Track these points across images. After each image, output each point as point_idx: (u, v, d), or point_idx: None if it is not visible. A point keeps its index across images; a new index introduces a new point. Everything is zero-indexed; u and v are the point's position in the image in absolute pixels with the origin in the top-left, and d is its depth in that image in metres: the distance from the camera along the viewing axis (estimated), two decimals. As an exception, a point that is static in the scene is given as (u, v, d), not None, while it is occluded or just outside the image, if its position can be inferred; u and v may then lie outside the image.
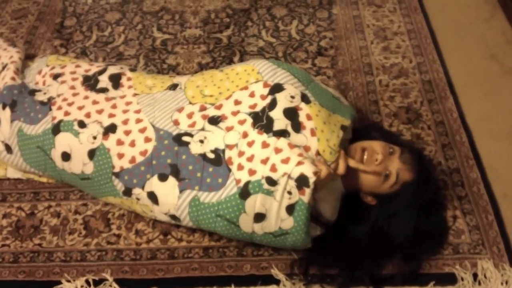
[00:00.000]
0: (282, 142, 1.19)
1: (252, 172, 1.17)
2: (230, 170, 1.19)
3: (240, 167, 1.18)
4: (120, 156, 1.26)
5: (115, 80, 1.41)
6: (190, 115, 1.29)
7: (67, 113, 1.33)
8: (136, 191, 1.25)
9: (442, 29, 1.89)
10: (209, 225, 1.22)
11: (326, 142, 1.22)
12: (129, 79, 1.42)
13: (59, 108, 1.35)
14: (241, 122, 1.25)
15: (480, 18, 1.93)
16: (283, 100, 1.25)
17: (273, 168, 1.16)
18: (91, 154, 1.28)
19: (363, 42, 1.86)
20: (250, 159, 1.18)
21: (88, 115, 1.32)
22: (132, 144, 1.26)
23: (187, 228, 1.33)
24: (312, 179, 1.12)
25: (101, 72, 1.44)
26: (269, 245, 1.25)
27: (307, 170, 1.13)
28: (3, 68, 1.49)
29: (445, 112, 1.61)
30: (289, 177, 1.14)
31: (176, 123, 1.28)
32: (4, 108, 1.38)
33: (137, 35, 1.93)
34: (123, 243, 1.33)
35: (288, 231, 1.17)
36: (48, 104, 1.37)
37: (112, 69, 1.45)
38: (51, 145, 1.31)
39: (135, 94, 1.37)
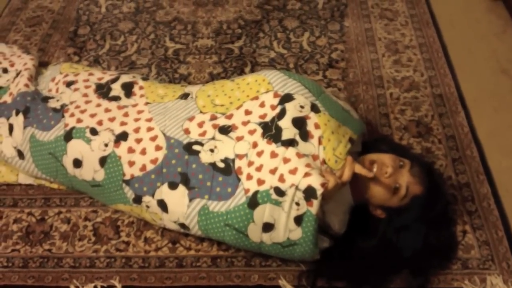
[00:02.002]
0: (290, 151, 1.19)
1: (260, 182, 1.17)
2: (239, 179, 1.20)
3: (249, 177, 1.19)
4: (131, 164, 1.27)
5: (128, 89, 1.42)
6: (200, 124, 1.30)
7: (79, 120, 1.35)
8: (146, 199, 1.26)
9: (453, 44, 1.89)
10: (217, 234, 1.22)
11: (332, 151, 1.22)
12: (141, 88, 1.44)
13: (72, 115, 1.37)
14: (251, 132, 1.25)
15: (492, 33, 1.93)
16: (292, 110, 1.26)
17: (281, 179, 1.16)
18: (102, 161, 1.29)
19: (375, 55, 1.86)
20: (259, 169, 1.19)
21: (100, 122, 1.33)
22: (143, 152, 1.27)
23: (195, 237, 1.34)
24: (319, 191, 1.12)
25: (113, 81, 1.45)
26: (277, 255, 1.25)
27: (315, 181, 1.13)
28: (17, 75, 1.51)
29: (456, 127, 1.60)
30: (297, 188, 1.14)
31: (187, 132, 1.29)
32: (17, 114, 1.40)
33: (150, 45, 1.95)
34: (132, 251, 1.33)
35: (296, 242, 1.17)
36: (61, 111, 1.39)
37: (125, 78, 1.47)
38: (63, 151, 1.32)
39: (146, 103, 1.38)
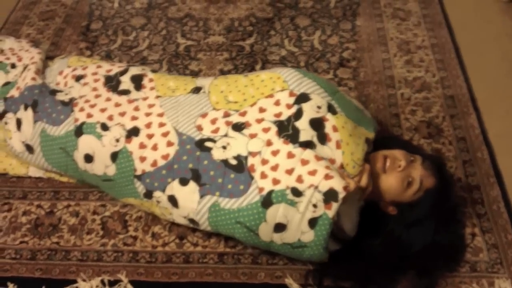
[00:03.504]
0: (308, 153, 1.18)
1: (276, 181, 1.16)
2: (252, 177, 1.19)
3: (264, 176, 1.18)
4: (142, 159, 1.27)
5: (137, 81, 1.42)
6: (213, 121, 1.30)
7: (89, 115, 1.35)
8: (157, 194, 1.26)
9: (466, 45, 1.87)
10: (227, 231, 1.22)
11: (350, 155, 1.21)
12: (151, 80, 1.43)
13: (81, 109, 1.37)
14: (266, 130, 1.24)
15: (505, 34, 1.91)
16: (309, 110, 1.25)
17: (299, 179, 1.15)
18: (114, 156, 1.29)
19: (386, 55, 1.85)
20: (274, 168, 1.18)
21: (110, 117, 1.34)
22: (155, 147, 1.27)
23: (203, 233, 1.34)
24: (342, 194, 1.11)
25: (122, 73, 1.45)
26: (286, 254, 1.25)
27: (337, 184, 1.12)
28: (24, 69, 1.51)
29: (467, 128, 1.59)
30: (316, 189, 1.13)
31: (200, 128, 1.29)
32: (26, 109, 1.40)
33: (161, 41, 1.96)
34: (139, 245, 1.33)
35: (307, 244, 1.16)
36: (70, 105, 1.39)
37: (134, 70, 1.46)
38: (74, 147, 1.32)
39: (157, 96, 1.38)
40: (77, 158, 1.33)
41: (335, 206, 1.12)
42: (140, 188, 1.28)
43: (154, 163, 1.26)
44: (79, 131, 1.33)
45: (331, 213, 1.12)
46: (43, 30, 2.03)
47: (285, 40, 1.94)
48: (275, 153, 1.20)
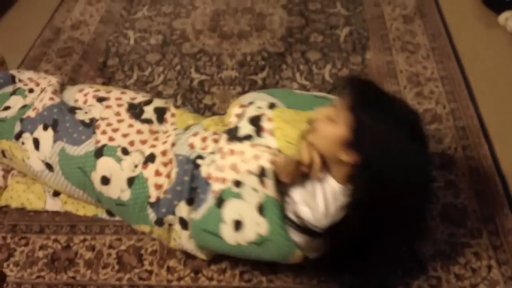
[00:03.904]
0: (245, 144, 1.24)
1: (223, 180, 1.22)
2: (209, 184, 1.24)
3: (216, 179, 1.23)
4: (158, 187, 1.30)
5: (160, 114, 1.47)
6: (204, 139, 1.36)
7: (111, 139, 1.37)
8: (168, 219, 1.30)
9: (475, 76, 1.89)
10: (204, 243, 1.27)
11: (283, 137, 1.24)
12: (173, 115, 1.48)
13: (104, 132, 1.39)
14: (215, 140, 1.33)
15: (514, 66, 1.93)
16: (250, 111, 1.32)
17: (237, 170, 1.20)
18: (130, 181, 1.32)
19: (396, 87, 1.88)
20: (221, 168, 1.23)
21: (131, 143, 1.37)
22: (168, 175, 1.30)
23: (218, 267, 1.35)
24: (270, 168, 1.16)
25: (147, 103, 1.49)
26: (260, 258, 1.24)
27: (264, 161, 1.17)
28: (42, 91, 1.53)
29: (480, 159, 1.59)
30: (251, 173, 1.18)
31: (192, 146, 1.34)
32: (46, 128, 1.41)
33: (176, 75, 2.01)
34: (154, 280, 1.34)
35: (267, 238, 1.16)
36: (91, 127, 1.40)
37: (158, 102, 1.50)
38: (92, 167, 1.34)
39: (175, 129, 1.44)
40: (94, 179, 1.35)
41: (269, 182, 1.15)
42: (152, 215, 1.31)
43: (166, 191, 1.30)
44: (99, 152, 1.35)
45: (270, 191, 1.14)
46: (61, 66, 2.09)
47: (296, 73, 1.98)
48: (223, 156, 1.25)
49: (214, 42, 2.17)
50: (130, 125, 1.41)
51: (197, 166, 1.29)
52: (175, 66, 2.06)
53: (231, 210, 1.19)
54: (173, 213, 1.28)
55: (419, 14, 2.23)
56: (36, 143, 1.42)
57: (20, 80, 1.60)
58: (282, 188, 1.19)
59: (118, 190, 1.33)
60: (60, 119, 1.42)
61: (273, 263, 1.33)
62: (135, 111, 1.46)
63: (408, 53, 2.03)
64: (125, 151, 1.34)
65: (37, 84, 1.58)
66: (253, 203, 1.17)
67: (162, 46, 2.16)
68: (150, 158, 1.33)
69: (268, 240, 1.17)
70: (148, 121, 1.43)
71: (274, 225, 1.15)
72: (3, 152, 1.49)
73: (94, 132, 1.39)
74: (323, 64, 2.01)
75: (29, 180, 1.56)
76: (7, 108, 1.50)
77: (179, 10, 2.36)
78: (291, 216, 1.16)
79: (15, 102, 1.51)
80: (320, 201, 1.18)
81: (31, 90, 1.55)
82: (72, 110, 1.46)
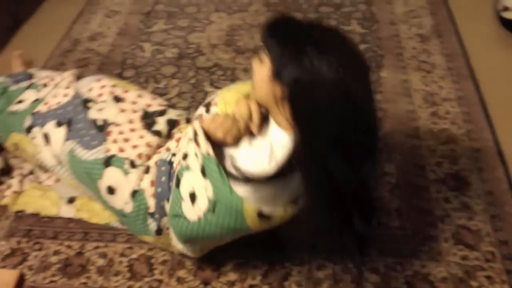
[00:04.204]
0: (196, 124, 1.24)
1: (178, 162, 1.27)
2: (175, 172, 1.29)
3: (177, 165, 1.28)
4: (154, 196, 1.32)
5: (171, 127, 1.45)
6: (178, 140, 1.40)
7: (121, 150, 1.37)
8: (164, 222, 1.32)
9: (492, 97, 1.89)
10: (178, 230, 1.26)
11: (222, 101, 1.25)
12: (180, 130, 1.45)
13: (115, 141, 1.38)
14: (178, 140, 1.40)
15: (531, 88, 1.93)
16: (208, 100, 1.34)
17: (182, 144, 1.27)
18: (133, 194, 1.33)
19: (411, 106, 1.88)
20: (177, 152, 1.31)
21: (139, 156, 1.37)
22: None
23: (227, 279, 1.34)
24: (198, 126, 1.20)
25: (161, 113, 1.47)
26: (223, 232, 1.19)
27: (196, 124, 1.22)
28: (55, 86, 1.55)
29: (495, 182, 1.58)
30: (190, 140, 1.21)
31: (168, 149, 1.38)
32: (59, 125, 1.42)
33: (190, 89, 2.02)
34: (164, 290, 1.34)
35: (215, 199, 1.15)
36: (103, 132, 1.40)
37: (172, 114, 1.48)
38: (99, 175, 1.35)
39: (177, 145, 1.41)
40: (100, 187, 1.36)
41: (200, 139, 1.18)
42: (152, 225, 1.33)
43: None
44: (107, 162, 1.35)
45: (202, 148, 1.17)
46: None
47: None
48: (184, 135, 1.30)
49: (229, 56, 2.19)
50: (141, 136, 1.41)
51: (172, 165, 1.32)
52: (190, 79, 2.07)
53: (185, 185, 1.21)
54: (165, 214, 1.31)
55: (436, 34, 2.24)
56: (47, 138, 1.43)
57: (36, 77, 1.63)
58: (227, 150, 1.19)
59: (122, 202, 1.34)
60: (74, 118, 1.43)
61: (283, 277, 1.33)
62: (148, 121, 1.45)
63: (424, 72, 2.03)
64: (133, 164, 1.35)
65: (52, 79, 1.60)
66: (197, 169, 1.17)
67: (177, 59, 2.18)
68: (146, 170, 1.35)
69: (216, 202, 1.15)
70: (158, 134, 1.43)
71: (215, 183, 1.14)
72: (15, 145, 1.52)
73: (105, 140, 1.39)
74: (338, 81, 2.01)
75: (45, 186, 1.58)
76: (20, 101, 1.53)
77: (195, 24, 2.40)
78: (232, 170, 1.14)
79: (29, 96, 1.53)
80: (265, 153, 1.14)
81: (45, 85, 1.57)
82: (86, 102, 1.46)
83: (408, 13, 2.41)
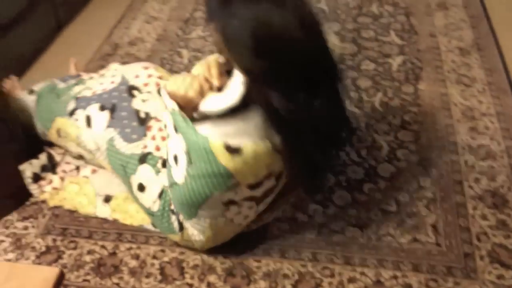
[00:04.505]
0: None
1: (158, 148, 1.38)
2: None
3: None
4: None
5: None
6: None
7: (157, 148, 1.39)
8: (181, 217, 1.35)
9: (533, 114, 1.84)
10: (175, 200, 1.29)
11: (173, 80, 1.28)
12: None
13: (153, 138, 1.40)
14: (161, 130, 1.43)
15: None
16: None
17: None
18: (161, 194, 1.35)
19: (449, 120, 1.84)
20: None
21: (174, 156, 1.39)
22: None
23: (257, 286, 1.34)
24: (161, 88, 1.25)
25: None
26: (209, 186, 1.20)
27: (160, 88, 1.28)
28: (100, 76, 1.61)
29: (535, 200, 1.54)
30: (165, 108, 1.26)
31: None
32: (102, 110, 1.45)
33: (226, 94, 2.04)
34: (194, 294, 1.35)
35: (189, 147, 1.17)
36: (144, 126, 1.42)
37: None
38: (133, 170, 1.38)
39: None
40: (132, 182, 1.38)
41: (165, 99, 1.22)
42: (175, 223, 1.35)
43: None
44: (143, 159, 1.37)
45: (168, 107, 1.21)
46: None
47: (346, 100, 1.96)
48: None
49: (266, 64, 2.19)
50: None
51: None
52: (227, 85, 2.09)
53: (170, 153, 1.24)
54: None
55: (476, 47, 2.20)
56: (89, 121, 1.46)
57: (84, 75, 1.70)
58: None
59: (150, 201, 1.36)
60: (118, 105, 1.45)
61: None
62: None
63: (463, 86, 1.99)
64: (164, 164, 1.36)
65: (98, 73, 1.67)
66: (172, 130, 1.22)
67: (216, 66, 2.20)
68: (164, 164, 1.37)
69: (189, 150, 1.18)
70: None
71: (183, 131, 1.18)
72: (58, 131, 1.56)
73: (145, 135, 1.41)
74: (373, 92, 2.00)
75: (82, 179, 1.61)
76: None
77: (234, 31, 2.42)
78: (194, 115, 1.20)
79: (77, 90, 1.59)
80: (225, 93, 1.20)
81: (91, 78, 1.63)
82: (131, 90, 1.48)
83: (448, 25, 2.37)
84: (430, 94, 1.97)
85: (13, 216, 1.56)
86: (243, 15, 1.06)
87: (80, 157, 1.63)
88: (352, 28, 2.38)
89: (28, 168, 1.58)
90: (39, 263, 1.42)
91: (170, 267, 1.41)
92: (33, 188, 1.58)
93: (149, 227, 1.49)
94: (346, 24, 2.41)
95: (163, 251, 1.45)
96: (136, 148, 1.40)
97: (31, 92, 1.72)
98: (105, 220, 1.53)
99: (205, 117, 1.18)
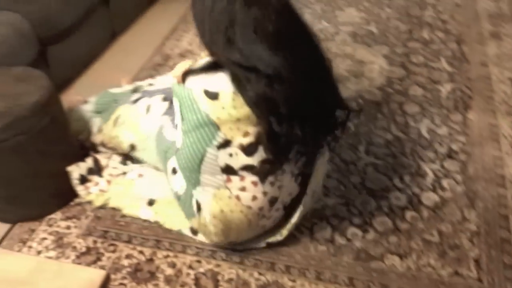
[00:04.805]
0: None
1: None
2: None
3: None
4: None
5: None
6: None
7: None
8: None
9: None
10: (181, 164, 1.39)
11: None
12: None
13: None
14: None
15: None
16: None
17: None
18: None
19: (498, 152, 1.79)
20: None
21: None
22: None
23: (291, 307, 1.33)
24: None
25: None
26: (203, 140, 1.30)
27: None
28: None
29: None
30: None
31: None
32: (164, 100, 1.58)
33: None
34: (228, 308, 1.35)
35: (180, 104, 1.31)
36: None
37: None
38: (171, 155, 1.44)
39: None
40: (168, 167, 1.45)
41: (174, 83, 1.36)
42: (195, 206, 1.40)
43: None
44: None
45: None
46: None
47: (391, 124, 1.95)
48: None
49: (312, 83, 2.20)
50: None
51: None
52: (272, 102, 2.10)
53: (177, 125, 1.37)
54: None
55: (530, 80, 2.14)
56: (149, 108, 1.59)
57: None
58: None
59: (178, 185, 1.42)
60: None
61: None
62: None
63: (513, 118, 1.94)
64: None
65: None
66: (177, 103, 1.34)
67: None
68: None
69: (181, 107, 1.31)
70: None
71: (176, 93, 1.32)
72: (116, 119, 1.66)
73: None
74: (420, 118, 1.97)
75: (126, 181, 1.65)
76: None
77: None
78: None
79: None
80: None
81: (150, 84, 1.79)
82: None
83: (501, 56, 2.31)
84: (479, 124, 1.92)
85: (57, 215, 1.61)
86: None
87: (131, 147, 1.66)
88: (401, 52, 2.36)
89: (76, 170, 1.64)
90: (79, 263, 1.46)
91: (205, 279, 1.41)
92: (80, 189, 1.63)
93: (187, 232, 1.51)
94: (396, 48, 2.39)
95: (199, 261, 1.46)
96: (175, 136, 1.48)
97: (85, 102, 1.83)
98: (144, 226, 1.56)
99: (190, 72, 1.32)
